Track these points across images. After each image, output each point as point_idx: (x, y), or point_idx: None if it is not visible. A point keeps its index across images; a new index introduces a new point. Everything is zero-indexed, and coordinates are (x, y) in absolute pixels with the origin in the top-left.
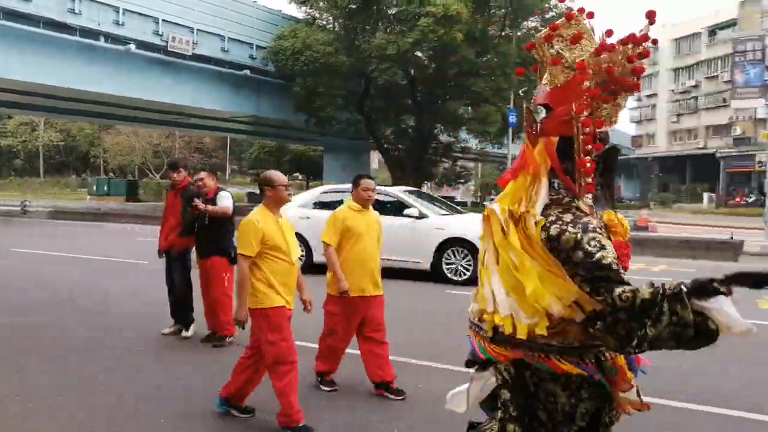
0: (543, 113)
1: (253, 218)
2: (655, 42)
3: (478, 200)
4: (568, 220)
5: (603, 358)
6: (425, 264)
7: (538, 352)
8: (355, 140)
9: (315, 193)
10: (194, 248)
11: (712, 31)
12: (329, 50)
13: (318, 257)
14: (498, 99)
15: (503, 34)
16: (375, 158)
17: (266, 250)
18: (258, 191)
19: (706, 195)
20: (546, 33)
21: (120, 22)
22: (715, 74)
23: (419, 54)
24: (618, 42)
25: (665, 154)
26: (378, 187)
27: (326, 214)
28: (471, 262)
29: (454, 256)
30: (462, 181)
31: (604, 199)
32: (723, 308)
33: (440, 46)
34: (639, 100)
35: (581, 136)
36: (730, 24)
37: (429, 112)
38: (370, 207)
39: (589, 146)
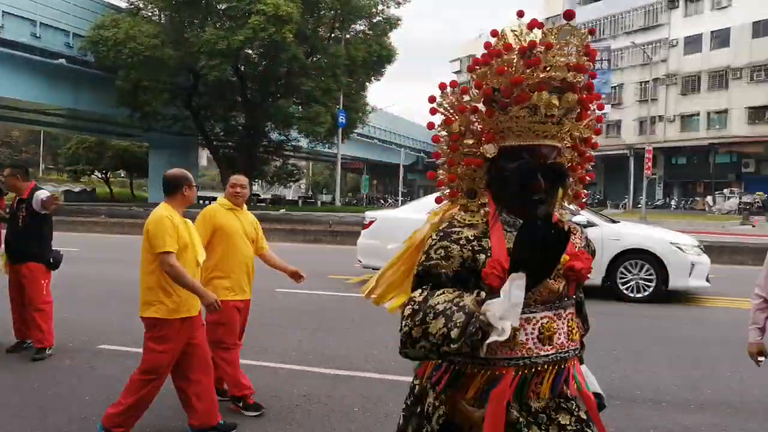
0: None
1: (165, 214)
2: (530, 46)
3: (311, 199)
4: (441, 228)
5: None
6: (596, 279)
7: None
8: (182, 136)
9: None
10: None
11: None
12: (155, 43)
13: None
14: (328, 99)
15: (333, 35)
16: (204, 155)
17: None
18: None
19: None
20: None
21: None
22: None
23: (250, 51)
24: (496, 53)
25: None
26: None
27: None
28: (653, 276)
29: (631, 270)
30: (293, 179)
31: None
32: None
33: (271, 44)
34: None
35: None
36: None
37: (260, 109)
38: (244, 206)
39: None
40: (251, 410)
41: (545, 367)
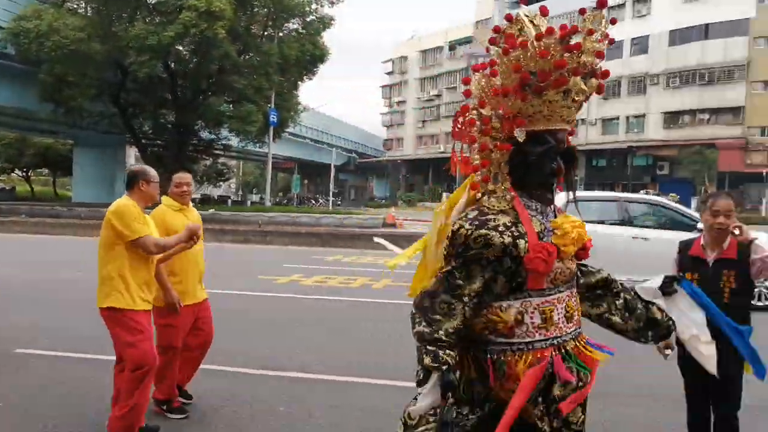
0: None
1: (128, 203)
2: (606, 35)
3: (240, 199)
4: (471, 217)
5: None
6: None
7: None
8: (109, 134)
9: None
10: None
11: (452, 46)
12: (81, 36)
13: None
14: (259, 98)
15: (266, 33)
16: (132, 153)
17: None
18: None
19: (444, 195)
20: (490, 36)
21: None
22: (454, 85)
23: (180, 48)
24: (535, 37)
25: (412, 157)
26: (652, 197)
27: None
28: None
29: None
30: (224, 178)
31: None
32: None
33: (202, 40)
34: (390, 106)
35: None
36: (468, 40)
37: (190, 107)
38: (190, 204)
39: (498, 142)
40: (176, 413)
41: (571, 343)
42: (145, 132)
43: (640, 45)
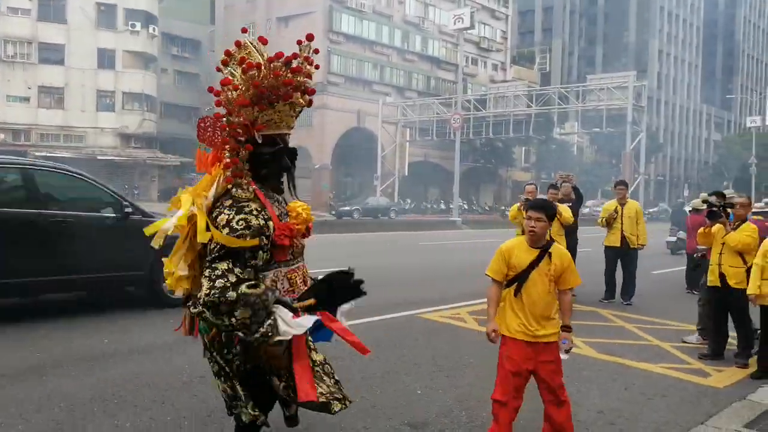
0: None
1: None
2: (305, 57)
3: None
4: (227, 205)
5: None
6: None
7: None
8: None
9: None
10: None
11: None
12: None
13: None
14: None
15: None
16: None
17: None
18: None
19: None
20: (223, 58)
21: None
22: None
23: None
24: (265, 60)
25: None
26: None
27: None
28: None
29: None
30: None
31: (290, 192)
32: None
33: None
34: None
35: (235, 137)
36: None
37: None
38: None
39: (234, 143)
40: None
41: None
42: None
43: None
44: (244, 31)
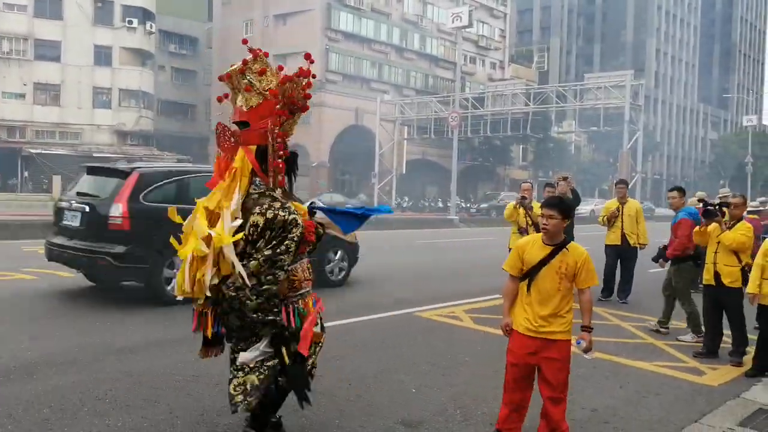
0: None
1: None
2: (314, 76)
3: None
4: (278, 206)
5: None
6: None
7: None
8: None
9: None
10: None
11: None
12: None
13: None
14: None
15: None
16: None
17: None
18: None
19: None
20: (239, 67)
21: None
22: None
23: None
24: (294, 75)
25: None
26: None
27: None
28: None
29: None
30: None
31: (289, 191)
32: None
33: None
34: None
35: (275, 144)
36: None
37: None
38: None
39: (280, 152)
40: None
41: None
42: None
43: None
44: (244, 42)
